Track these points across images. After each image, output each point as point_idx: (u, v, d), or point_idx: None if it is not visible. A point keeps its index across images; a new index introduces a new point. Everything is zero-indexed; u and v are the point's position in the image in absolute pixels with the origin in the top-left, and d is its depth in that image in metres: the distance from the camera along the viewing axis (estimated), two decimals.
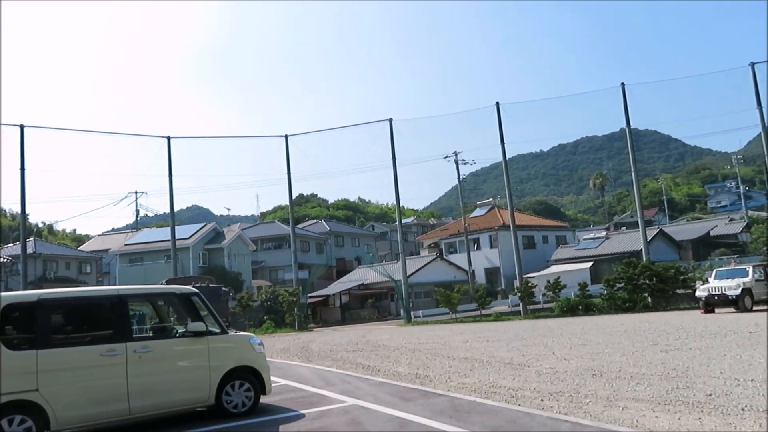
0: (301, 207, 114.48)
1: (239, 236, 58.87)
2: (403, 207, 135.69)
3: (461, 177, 54.58)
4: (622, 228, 59.94)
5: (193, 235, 54.79)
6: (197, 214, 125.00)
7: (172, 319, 9.27)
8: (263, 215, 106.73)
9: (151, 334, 8.00)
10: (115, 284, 55.88)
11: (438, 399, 8.34)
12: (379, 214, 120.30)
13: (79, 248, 67.13)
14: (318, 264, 62.21)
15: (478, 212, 60.28)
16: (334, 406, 8.32)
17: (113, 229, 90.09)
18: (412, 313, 38.88)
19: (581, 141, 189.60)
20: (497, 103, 38.64)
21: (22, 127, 36.25)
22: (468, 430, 6.41)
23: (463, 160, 50.26)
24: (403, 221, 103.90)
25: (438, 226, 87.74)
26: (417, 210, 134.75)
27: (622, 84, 35.68)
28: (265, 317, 40.03)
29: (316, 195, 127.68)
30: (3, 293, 7.07)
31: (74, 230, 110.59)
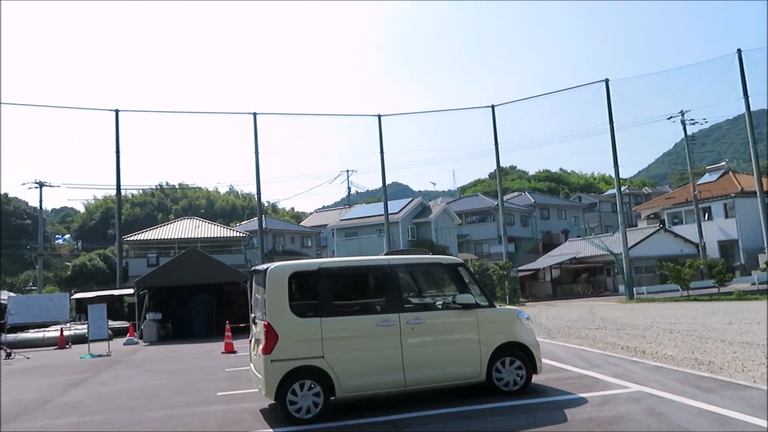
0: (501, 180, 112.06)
1: (445, 210, 59.43)
2: (610, 176, 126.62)
3: (678, 141, 48.83)
4: None
5: (402, 209, 56.48)
6: (397, 190, 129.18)
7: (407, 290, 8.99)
8: (462, 189, 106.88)
9: (418, 306, 7.76)
10: (333, 257, 60.18)
11: (749, 392, 6.98)
12: (584, 185, 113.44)
13: (300, 224, 73.35)
14: (523, 237, 60.60)
15: (707, 178, 53.47)
16: (617, 392, 7.38)
17: (323, 207, 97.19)
18: (634, 289, 35.89)
19: None
20: (739, 51, 33.55)
21: (254, 114, 40.11)
22: None
23: (692, 120, 44.60)
24: (612, 191, 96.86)
25: (654, 195, 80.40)
26: (625, 179, 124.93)
27: None
28: None
29: (515, 167, 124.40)
30: (288, 261, 7.29)
31: (292, 208, 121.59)
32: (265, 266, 7.23)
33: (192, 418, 7.44)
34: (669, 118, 45.68)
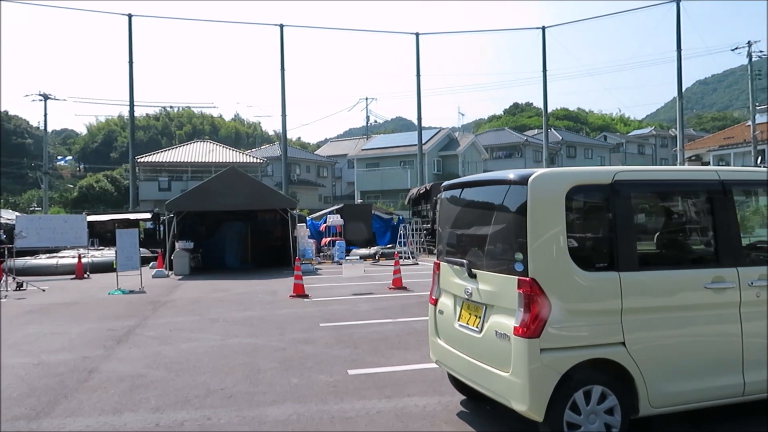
0: (516, 116, 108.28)
1: (473, 143, 55.97)
2: (627, 117, 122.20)
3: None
4: None
5: (429, 141, 52.96)
6: (400, 125, 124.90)
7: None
8: (477, 125, 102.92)
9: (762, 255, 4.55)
10: (352, 189, 57.10)
11: None
12: (602, 126, 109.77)
13: (315, 153, 69.83)
14: None
15: (756, 119, 49.68)
16: None
17: (326, 139, 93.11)
18: None
19: None
20: None
21: (281, 26, 35.94)
22: None
23: (761, 51, 40.42)
24: (639, 132, 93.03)
25: (685, 139, 77.14)
26: (640, 121, 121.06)
27: None
28: None
29: (532, 104, 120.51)
30: (558, 168, 4.03)
31: (299, 137, 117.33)
32: (511, 174, 4.01)
33: (350, 424, 4.43)
34: (734, 50, 41.52)
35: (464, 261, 4.33)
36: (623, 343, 3.74)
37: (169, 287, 14.27)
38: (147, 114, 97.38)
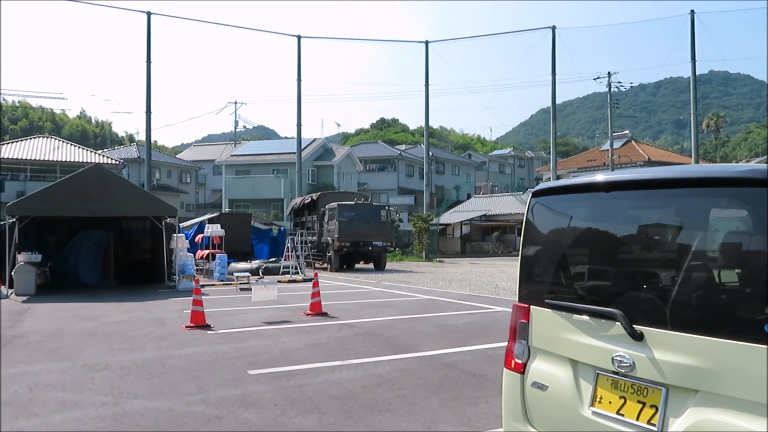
0: (383, 131, 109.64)
1: (348, 154, 54.82)
2: (484, 138, 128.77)
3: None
4: None
5: (304, 149, 50.90)
6: (263, 134, 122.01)
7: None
8: (345, 138, 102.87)
9: None
10: (220, 196, 53.17)
11: None
12: (463, 144, 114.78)
13: (176, 156, 64.82)
14: (422, 191, 58.18)
15: (608, 145, 53.92)
16: None
17: (182, 144, 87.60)
18: None
19: (664, 82, 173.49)
20: (692, 12, 32.06)
21: (149, 13, 32.28)
22: None
23: (619, 83, 43.55)
24: (499, 152, 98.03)
25: (537, 160, 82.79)
26: (495, 142, 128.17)
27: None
28: None
29: (398, 120, 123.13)
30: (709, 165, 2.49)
31: (156, 140, 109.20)
32: (742, 170, 2.38)
33: None
34: (596, 79, 44.37)
35: (617, 311, 2.65)
36: None
37: (13, 314, 11.04)
38: None
